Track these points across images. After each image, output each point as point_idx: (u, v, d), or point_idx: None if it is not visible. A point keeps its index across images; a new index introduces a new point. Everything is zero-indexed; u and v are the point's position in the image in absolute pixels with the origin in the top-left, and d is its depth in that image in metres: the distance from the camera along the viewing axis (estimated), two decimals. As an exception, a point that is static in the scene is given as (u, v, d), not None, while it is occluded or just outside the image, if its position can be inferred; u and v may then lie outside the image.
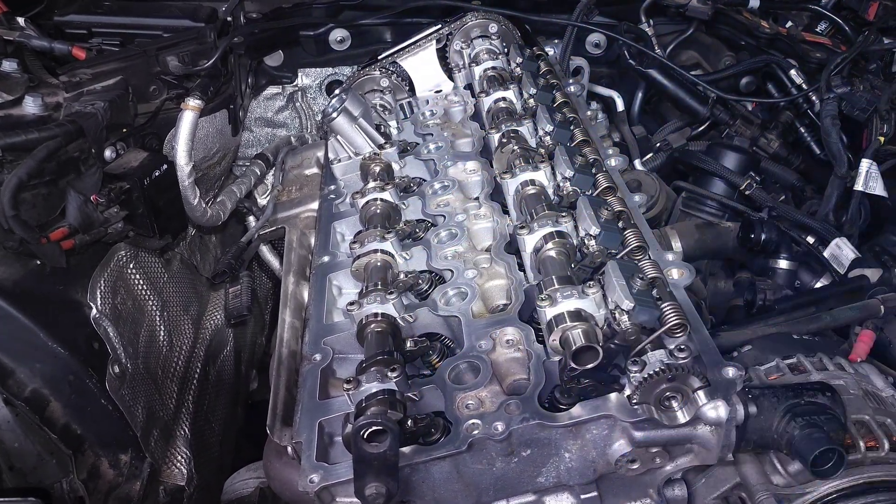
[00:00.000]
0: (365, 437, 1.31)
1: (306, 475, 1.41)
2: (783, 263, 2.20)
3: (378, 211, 2.10)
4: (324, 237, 2.11)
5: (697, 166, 2.53)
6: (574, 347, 1.36)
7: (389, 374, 1.49)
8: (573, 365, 1.37)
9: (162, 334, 2.21)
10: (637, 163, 2.75)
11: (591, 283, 1.44)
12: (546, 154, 1.98)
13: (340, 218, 2.18)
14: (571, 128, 2.09)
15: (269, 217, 2.39)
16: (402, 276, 1.91)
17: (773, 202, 2.36)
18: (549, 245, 1.63)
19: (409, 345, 1.71)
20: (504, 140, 2.03)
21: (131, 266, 2.11)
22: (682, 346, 1.33)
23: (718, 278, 2.53)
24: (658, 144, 2.79)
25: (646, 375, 1.31)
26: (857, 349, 1.82)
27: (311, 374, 1.65)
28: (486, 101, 2.31)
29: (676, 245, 2.30)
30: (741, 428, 1.32)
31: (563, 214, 1.66)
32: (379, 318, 1.69)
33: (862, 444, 1.43)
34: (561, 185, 1.84)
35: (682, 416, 1.33)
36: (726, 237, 2.31)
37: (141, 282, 2.15)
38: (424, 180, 2.25)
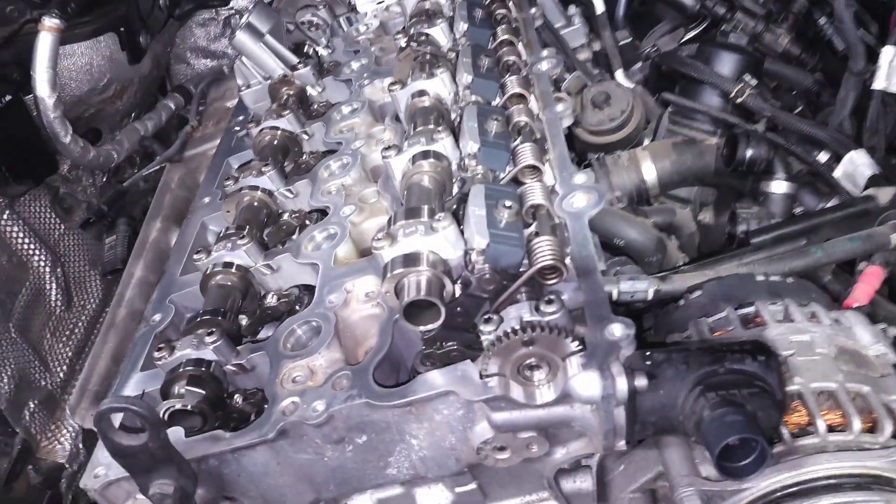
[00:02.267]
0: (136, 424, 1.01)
1: (92, 468, 1.12)
2: (777, 186, 1.76)
3: (275, 142, 1.77)
4: (212, 175, 1.80)
5: (685, 73, 2.07)
6: (405, 301, 1.01)
7: (206, 339, 1.18)
8: (405, 323, 1.02)
9: (54, 293, 1.96)
10: (619, 74, 2.30)
11: (442, 215, 1.08)
12: (454, 60, 1.59)
13: (239, 152, 1.87)
14: (501, 27, 1.69)
15: (175, 155, 2.08)
16: (286, 216, 1.59)
17: (772, 110, 1.89)
18: (422, 166, 1.27)
19: (270, 300, 1.40)
20: (404, 46, 1.65)
21: (4, 217, 1.85)
22: (551, 298, 0.97)
23: (713, 208, 2.10)
24: (645, 51, 2.33)
25: (495, 338, 0.95)
26: (857, 292, 1.42)
27: (143, 338, 1.35)
28: (409, 3, 1.92)
29: (648, 168, 1.90)
30: (630, 407, 0.94)
31: (440, 130, 1.29)
32: (231, 270, 1.38)
33: (822, 423, 1.03)
34: (461, 94, 1.46)
35: (547, 393, 0.96)
36: (710, 157, 1.88)
37: (21, 235, 1.89)
38: (346, 104, 1.90)
